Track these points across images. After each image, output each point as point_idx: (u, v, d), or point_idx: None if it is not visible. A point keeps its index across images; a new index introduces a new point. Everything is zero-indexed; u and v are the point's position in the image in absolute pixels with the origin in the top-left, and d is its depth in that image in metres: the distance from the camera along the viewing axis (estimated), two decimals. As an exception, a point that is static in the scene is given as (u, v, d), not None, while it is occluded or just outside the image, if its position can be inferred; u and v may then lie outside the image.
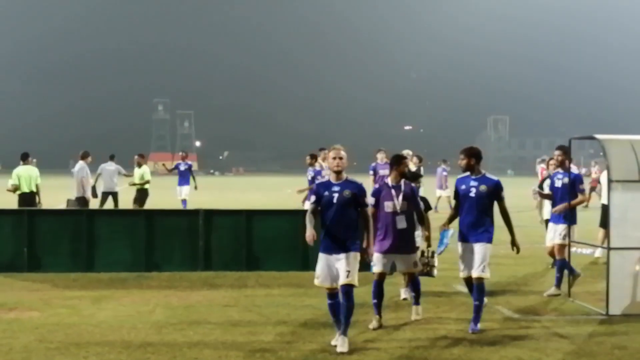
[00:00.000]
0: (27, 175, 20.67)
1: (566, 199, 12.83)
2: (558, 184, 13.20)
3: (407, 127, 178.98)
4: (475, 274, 10.04)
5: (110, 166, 25.03)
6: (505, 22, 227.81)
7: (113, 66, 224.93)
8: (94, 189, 24.05)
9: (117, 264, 15.25)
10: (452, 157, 27.37)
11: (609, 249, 11.47)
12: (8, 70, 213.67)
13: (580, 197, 13.07)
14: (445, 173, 35.10)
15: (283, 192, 25.91)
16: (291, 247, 15.62)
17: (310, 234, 9.17)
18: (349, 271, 8.98)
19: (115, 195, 24.11)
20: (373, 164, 22.48)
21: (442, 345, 9.47)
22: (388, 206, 10.44)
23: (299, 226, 15.75)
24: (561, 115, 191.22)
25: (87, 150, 23.72)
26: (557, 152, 13.52)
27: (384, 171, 20.54)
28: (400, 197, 10.48)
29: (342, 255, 9.08)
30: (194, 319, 10.85)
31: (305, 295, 12.63)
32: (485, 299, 10.55)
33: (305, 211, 10.47)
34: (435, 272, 11.37)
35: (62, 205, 23.51)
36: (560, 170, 13.44)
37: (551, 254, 13.57)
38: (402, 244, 10.43)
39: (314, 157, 21.82)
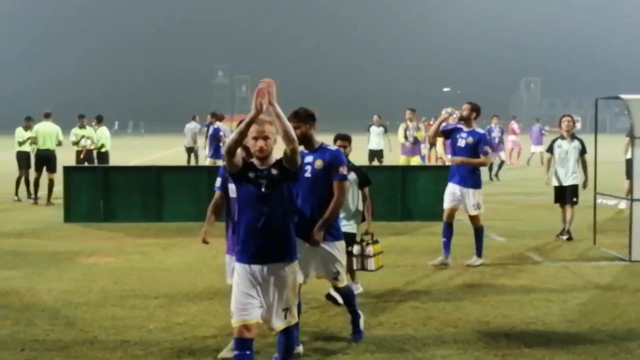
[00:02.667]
0: (108, 136, 21.45)
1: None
2: (461, 143, 10.68)
3: (445, 89, 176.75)
4: (333, 283, 7.07)
5: (191, 125, 25.12)
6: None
7: (177, 34, 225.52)
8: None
9: (184, 214, 15.42)
10: (487, 117, 26.34)
11: (632, 200, 11.34)
12: (88, 37, 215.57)
13: (482, 159, 10.68)
14: (543, 132, 34.34)
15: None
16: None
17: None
18: (286, 309, 5.55)
19: (195, 151, 24.00)
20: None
21: (477, 289, 9.47)
22: None
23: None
24: (589, 76, 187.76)
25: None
26: (464, 106, 10.95)
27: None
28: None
29: (273, 272, 5.52)
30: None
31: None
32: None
33: None
34: (371, 264, 8.45)
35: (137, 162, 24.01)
36: (464, 127, 10.87)
37: (449, 217, 11.01)
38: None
39: (214, 116, 22.27)
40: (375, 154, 23.85)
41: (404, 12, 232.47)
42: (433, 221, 15.10)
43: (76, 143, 20.97)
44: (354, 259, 8.41)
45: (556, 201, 13.48)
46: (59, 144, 19.50)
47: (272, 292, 5.49)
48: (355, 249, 8.41)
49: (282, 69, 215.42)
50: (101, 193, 15.59)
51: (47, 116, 19.77)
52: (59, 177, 17.56)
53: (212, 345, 7.02)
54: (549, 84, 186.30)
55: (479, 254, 10.92)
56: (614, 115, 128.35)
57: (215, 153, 21.22)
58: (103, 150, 21.39)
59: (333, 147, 7.05)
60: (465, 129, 10.81)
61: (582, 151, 13.06)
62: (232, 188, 6.27)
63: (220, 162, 20.75)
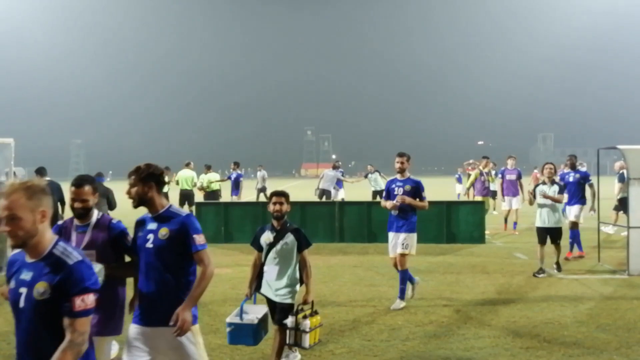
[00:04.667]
0: (215, 178, 21.03)
1: (407, 208, 8.56)
2: (398, 191, 8.60)
3: (479, 142, 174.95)
4: None
5: (330, 172, 23.93)
6: (551, 64, 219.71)
7: (279, 104, 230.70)
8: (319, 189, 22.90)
9: (282, 238, 15.56)
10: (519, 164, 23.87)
11: (629, 227, 10.98)
12: (210, 104, 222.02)
13: (422, 202, 8.57)
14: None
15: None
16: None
17: None
18: None
19: (328, 193, 22.27)
20: (502, 169, 18.32)
21: (506, 296, 9.23)
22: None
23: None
24: (593, 130, 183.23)
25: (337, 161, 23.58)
26: (397, 159, 8.71)
27: (510, 176, 17.60)
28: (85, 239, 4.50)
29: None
30: (333, 275, 10.96)
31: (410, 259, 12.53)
32: None
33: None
34: (306, 340, 5.66)
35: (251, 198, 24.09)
36: (399, 177, 8.74)
37: (395, 266, 8.84)
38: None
39: (236, 165, 21.96)
40: (378, 193, 23.24)
41: (449, 89, 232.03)
42: (472, 243, 14.90)
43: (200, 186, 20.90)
44: (288, 332, 5.69)
45: (539, 241, 10.97)
46: (194, 185, 20.01)
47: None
48: (289, 320, 5.65)
49: (354, 126, 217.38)
50: (222, 221, 15.90)
51: (187, 165, 20.46)
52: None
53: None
54: (561, 137, 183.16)
55: (401, 295, 8.53)
56: (613, 161, 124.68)
57: (236, 192, 21.23)
58: (211, 190, 21.18)
59: (183, 211, 4.35)
60: (400, 177, 8.74)
61: (560, 192, 10.86)
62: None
63: (236, 198, 20.38)
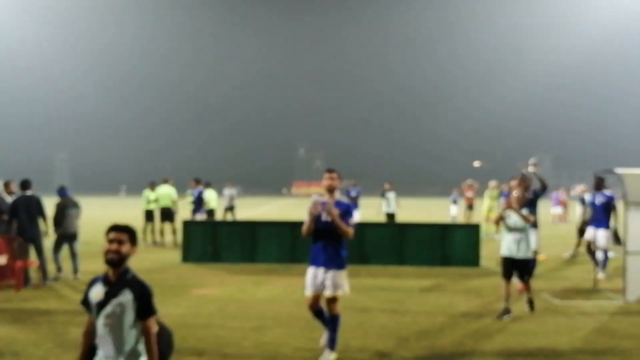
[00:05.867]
0: (212, 197, 21.31)
1: (336, 237, 6.93)
2: (327, 218, 6.92)
3: (476, 164, 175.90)
4: None
5: (232, 190, 23.69)
6: (550, 86, 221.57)
7: (271, 122, 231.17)
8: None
9: (271, 257, 15.49)
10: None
11: (625, 252, 10.97)
12: (206, 122, 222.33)
13: (348, 228, 6.87)
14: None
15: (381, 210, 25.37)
16: (390, 248, 15.50)
17: None
18: None
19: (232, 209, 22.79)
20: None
21: (502, 321, 9.19)
22: None
23: (394, 235, 15.69)
24: (589, 153, 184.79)
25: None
26: (326, 175, 7.12)
27: None
28: None
29: None
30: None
31: (401, 283, 12.52)
32: None
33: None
34: None
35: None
36: (328, 199, 7.06)
37: (314, 304, 7.18)
38: None
39: (198, 182, 21.29)
40: (391, 216, 23.16)
41: (444, 109, 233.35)
42: (466, 267, 14.87)
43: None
44: None
45: (503, 274, 9.59)
46: (174, 202, 20.06)
47: None
48: None
49: (346, 145, 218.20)
50: (209, 240, 15.81)
51: (165, 181, 20.47)
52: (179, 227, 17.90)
53: (291, 360, 6.97)
54: (559, 159, 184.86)
55: (331, 345, 7.01)
56: (610, 184, 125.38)
57: (198, 209, 20.67)
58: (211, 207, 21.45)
59: None
60: (329, 200, 7.12)
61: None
62: None
63: (200, 217, 20.19)
